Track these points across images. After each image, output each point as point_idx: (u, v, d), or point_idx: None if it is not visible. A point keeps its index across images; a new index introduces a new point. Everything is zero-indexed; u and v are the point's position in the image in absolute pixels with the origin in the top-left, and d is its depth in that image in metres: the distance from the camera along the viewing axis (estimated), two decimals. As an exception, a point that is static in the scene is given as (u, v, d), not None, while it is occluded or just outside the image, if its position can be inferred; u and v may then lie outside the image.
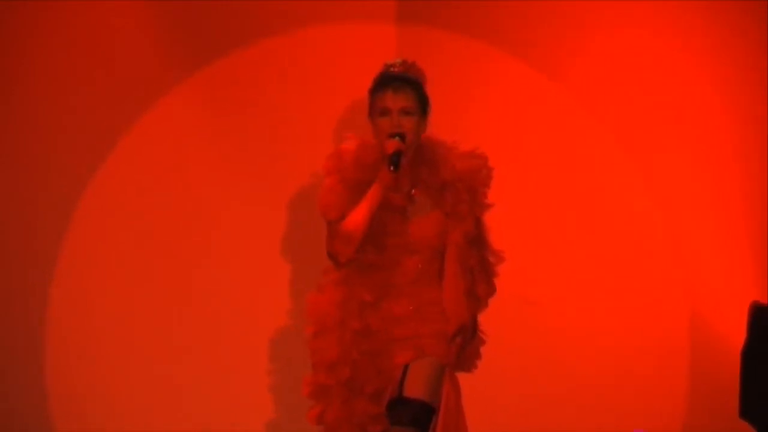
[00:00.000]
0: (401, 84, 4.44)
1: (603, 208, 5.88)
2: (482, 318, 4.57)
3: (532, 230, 5.83)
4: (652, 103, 5.85)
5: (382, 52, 5.67)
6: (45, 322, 5.76)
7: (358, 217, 4.34)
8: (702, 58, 5.85)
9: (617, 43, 5.86)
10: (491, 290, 4.53)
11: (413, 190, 4.46)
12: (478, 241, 4.49)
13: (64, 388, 5.76)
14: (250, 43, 5.84)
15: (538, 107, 5.87)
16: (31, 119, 5.78)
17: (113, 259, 5.79)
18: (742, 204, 5.83)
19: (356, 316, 4.37)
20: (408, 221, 4.44)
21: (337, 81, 5.76)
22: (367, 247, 4.39)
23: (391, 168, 4.30)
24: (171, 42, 5.81)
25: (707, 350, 5.80)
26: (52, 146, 5.78)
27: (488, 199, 4.49)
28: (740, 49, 5.84)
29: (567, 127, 5.87)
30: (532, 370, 5.77)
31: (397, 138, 4.36)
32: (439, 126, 4.56)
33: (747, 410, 5.14)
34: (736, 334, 5.39)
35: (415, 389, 4.31)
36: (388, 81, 4.45)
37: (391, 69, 4.49)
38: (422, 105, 4.47)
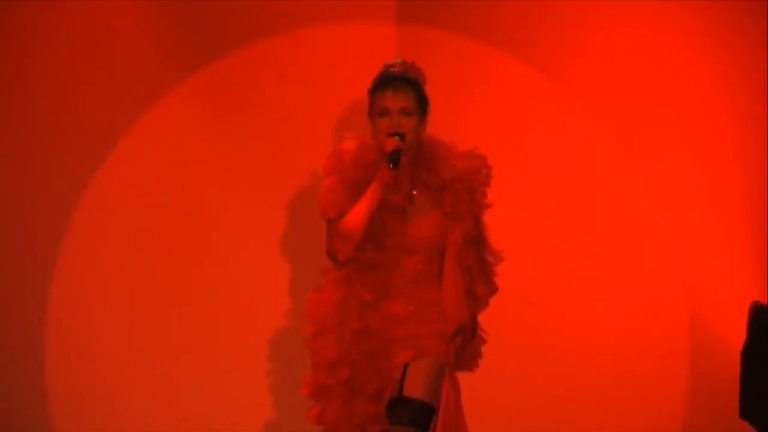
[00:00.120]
0: (401, 84, 4.44)
1: (603, 208, 5.88)
2: (482, 318, 4.57)
3: (532, 230, 5.83)
4: (652, 103, 5.85)
5: (382, 52, 5.67)
6: (45, 322, 5.76)
7: (357, 215, 4.34)
8: (702, 58, 5.85)
9: (617, 43, 5.86)
10: (491, 290, 4.53)
11: (413, 191, 4.46)
12: (477, 241, 4.49)
13: (64, 388, 5.76)
14: (250, 43, 5.84)
15: (538, 107, 5.87)
16: (31, 119, 5.78)
17: (113, 259, 5.79)
18: (742, 204, 5.83)
19: (356, 316, 4.38)
20: (408, 221, 4.44)
21: (337, 81, 5.76)
22: (367, 247, 4.39)
23: (391, 166, 4.30)
24: (171, 42, 5.81)
25: (707, 350, 5.80)
26: (52, 146, 5.78)
27: (488, 199, 4.49)
28: (740, 49, 5.84)
29: (567, 127, 5.87)
30: (532, 370, 5.77)
31: (396, 137, 4.36)
32: (439, 126, 4.56)
33: (747, 410, 5.14)
34: (736, 334, 5.39)
35: (415, 389, 4.31)
36: (388, 81, 4.45)
37: (391, 69, 4.49)
38: (422, 105, 4.47)
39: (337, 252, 4.38)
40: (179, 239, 5.80)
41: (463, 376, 4.52)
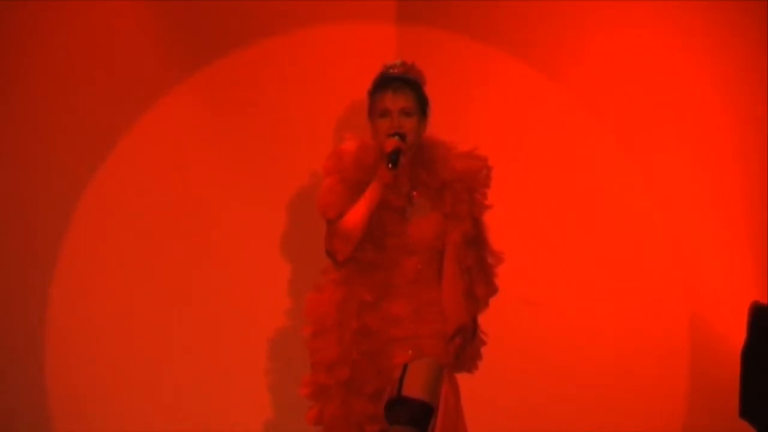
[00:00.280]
0: (401, 85, 4.44)
1: (603, 208, 5.88)
2: (482, 318, 4.57)
3: (532, 230, 5.83)
4: (652, 103, 5.85)
5: (382, 52, 5.68)
6: (45, 322, 5.76)
7: (356, 215, 4.34)
8: (702, 58, 5.85)
9: (617, 43, 5.86)
10: (491, 290, 4.53)
11: (413, 192, 4.46)
12: (476, 241, 4.49)
13: (64, 388, 5.76)
14: (250, 43, 5.84)
15: (538, 107, 5.87)
16: (31, 119, 5.78)
17: (113, 259, 5.79)
18: (742, 204, 5.83)
19: (355, 316, 4.38)
20: (407, 222, 4.44)
21: (337, 81, 5.76)
22: (367, 247, 4.39)
23: (390, 165, 4.30)
24: (171, 42, 5.81)
25: (707, 350, 5.80)
26: (52, 146, 5.78)
27: (488, 200, 4.49)
28: (740, 49, 5.84)
29: (567, 127, 5.87)
30: (532, 370, 5.77)
31: (396, 137, 4.36)
32: (439, 126, 4.56)
33: (747, 410, 5.14)
34: (736, 334, 5.39)
35: (414, 389, 4.31)
36: (388, 82, 4.45)
37: (391, 70, 4.49)
38: (422, 106, 4.47)
39: (336, 251, 4.38)
40: (179, 239, 5.80)
41: (462, 376, 4.52)
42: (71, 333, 5.76)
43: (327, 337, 4.40)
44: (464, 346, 4.46)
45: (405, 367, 4.36)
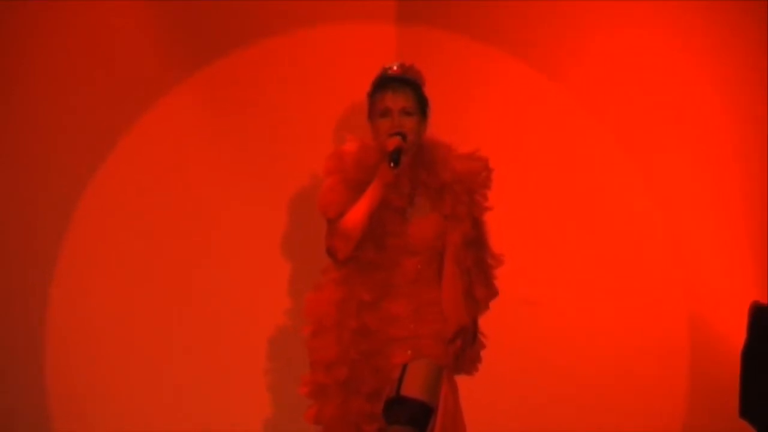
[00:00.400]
0: (400, 85, 4.45)
1: (603, 208, 5.88)
2: (482, 318, 4.57)
3: (532, 230, 5.83)
4: (652, 103, 5.85)
5: (382, 52, 5.68)
6: (45, 322, 5.76)
7: (357, 214, 4.34)
8: (702, 58, 5.85)
9: (617, 43, 5.86)
10: (491, 293, 4.52)
11: (413, 193, 4.46)
12: (476, 242, 4.48)
13: (64, 388, 5.76)
14: (250, 43, 5.84)
15: (538, 107, 5.87)
16: (31, 119, 5.78)
17: (113, 259, 5.79)
18: (742, 204, 5.83)
19: (354, 316, 4.37)
20: (408, 222, 4.44)
21: (337, 81, 5.76)
22: (367, 246, 4.39)
23: (392, 164, 4.30)
24: (171, 42, 5.81)
25: (707, 350, 5.80)
26: (52, 146, 5.78)
27: (488, 202, 4.49)
28: (740, 49, 5.84)
29: (567, 127, 5.87)
30: (531, 371, 5.77)
31: (398, 136, 4.36)
32: (439, 126, 4.56)
33: (747, 410, 5.14)
34: (736, 334, 5.39)
35: (413, 389, 4.31)
36: (387, 82, 4.45)
37: (390, 71, 4.50)
38: (422, 106, 4.48)
39: (336, 250, 4.38)
40: (179, 239, 5.80)
41: (462, 376, 4.52)
42: (71, 333, 5.76)
43: (326, 336, 4.40)
44: (464, 348, 4.45)
45: (404, 367, 4.36)
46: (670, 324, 5.83)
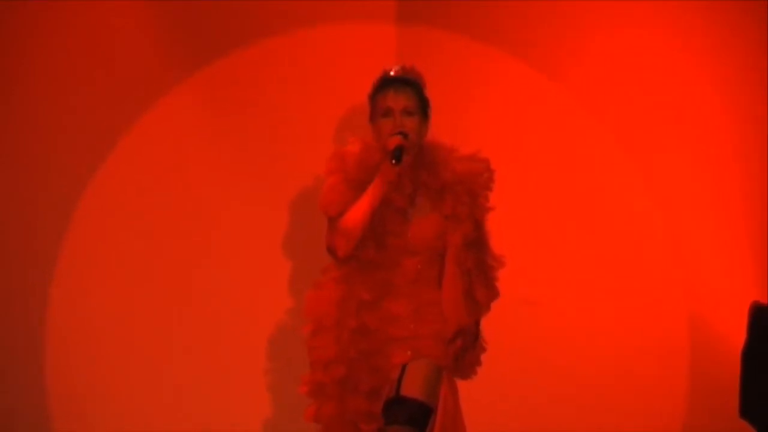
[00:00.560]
0: (402, 85, 4.45)
1: (603, 208, 5.88)
2: (482, 318, 4.56)
3: (532, 230, 5.83)
4: (652, 103, 5.85)
5: (382, 52, 5.68)
6: (45, 322, 5.76)
7: (358, 212, 4.34)
8: (702, 58, 5.85)
9: (617, 43, 5.86)
10: (492, 294, 4.52)
11: (415, 193, 4.46)
12: (477, 244, 4.48)
13: (64, 388, 5.76)
14: (250, 43, 5.84)
15: (538, 107, 5.87)
16: (31, 119, 5.78)
17: (113, 259, 5.78)
18: (742, 204, 5.83)
19: (354, 315, 4.37)
20: (408, 222, 4.44)
21: (337, 81, 5.76)
22: (367, 245, 4.39)
23: (394, 161, 4.30)
24: (171, 42, 5.81)
25: (707, 350, 5.80)
26: (52, 146, 5.78)
27: (489, 203, 4.49)
28: (740, 49, 5.84)
29: (567, 128, 5.87)
30: (531, 371, 5.77)
31: (400, 135, 4.37)
32: (439, 126, 4.56)
33: (747, 410, 5.14)
34: (736, 334, 5.39)
35: (412, 389, 4.31)
36: (389, 83, 4.46)
37: (391, 73, 4.50)
38: (423, 107, 4.48)
39: (336, 248, 4.38)
40: (179, 239, 5.80)
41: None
42: (71, 333, 5.76)
43: (326, 335, 4.40)
44: (465, 349, 4.45)
45: (403, 367, 4.36)
46: (670, 324, 5.83)
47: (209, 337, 5.76)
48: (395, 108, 4.42)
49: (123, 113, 5.80)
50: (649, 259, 5.85)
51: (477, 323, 4.50)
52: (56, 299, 5.77)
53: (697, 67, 5.85)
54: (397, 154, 4.31)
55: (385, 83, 4.47)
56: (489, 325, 4.58)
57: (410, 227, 4.44)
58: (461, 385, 4.49)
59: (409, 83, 4.47)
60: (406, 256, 4.42)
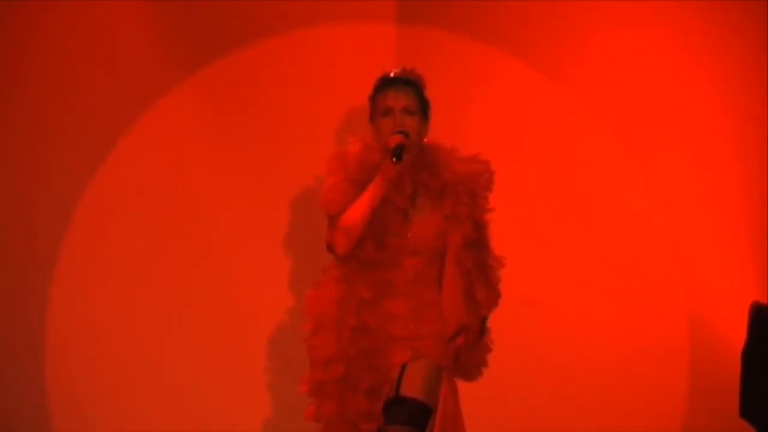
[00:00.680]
0: (402, 85, 4.46)
1: (603, 208, 5.88)
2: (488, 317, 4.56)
3: (532, 230, 5.83)
4: (652, 103, 5.85)
5: (382, 52, 5.69)
6: (45, 322, 5.76)
7: (358, 209, 4.34)
8: (702, 58, 5.85)
9: (617, 43, 5.86)
10: (493, 294, 4.51)
11: (415, 194, 4.46)
12: (477, 244, 4.48)
13: (64, 387, 5.76)
14: (250, 43, 5.84)
15: (538, 107, 5.87)
16: (31, 119, 5.78)
17: (113, 259, 5.78)
18: (742, 204, 5.84)
19: (354, 314, 4.37)
20: (409, 223, 4.44)
21: (338, 81, 5.76)
22: (368, 245, 4.39)
23: (394, 159, 4.30)
24: (171, 42, 5.81)
25: (707, 350, 5.80)
26: (52, 146, 5.78)
27: (489, 204, 4.48)
28: (740, 49, 5.84)
29: (567, 128, 5.87)
30: (531, 371, 5.77)
31: (400, 134, 4.37)
32: (439, 126, 4.56)
33: (747, 410, 5.14)
34: (736, 334, 5.39)
35: (412, 389, 4.31)
36: (389, 83, 4.47)
37: (391, 74, 4.51)
38: (423, 107, 4.48)
39: (336, 245, 4.37)
40: (179, 239, 5.79)
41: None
42: (71, 333, 5.76)
43: (326, 334, 4.40)
44: (467, 346, 4.44)
45: (403, 367, 4.36)
46: (670, 324, 5.83)
47: (209, 337, 5.76)
48: (395, 107, 4.42)
49: (123, 113, 5.80)
50: (649, 259, 5.85)
51: (484, 320, 4.50)
52: (56, 299, 5.77)
53: (697, 67, 5.85)
54: (398, 152, 4.32)
55: (385, 83, 4.48)
56: (489, 325, 4.57)
57: (411, 227, 4.44)
58: (461, 385, 4.49)
59: (409, 83, 4.47)
60: (406, 256, 4.42)
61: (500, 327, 4.65)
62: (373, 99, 4.49)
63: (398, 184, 4.40)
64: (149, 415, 5.75)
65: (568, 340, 5.80)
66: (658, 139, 5.85)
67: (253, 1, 5.83)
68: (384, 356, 4.38)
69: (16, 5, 5.76)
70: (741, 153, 5.84)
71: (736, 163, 5.84)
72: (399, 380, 4.34)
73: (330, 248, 4.41)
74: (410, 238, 4.42)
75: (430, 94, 4.51)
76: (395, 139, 4.35)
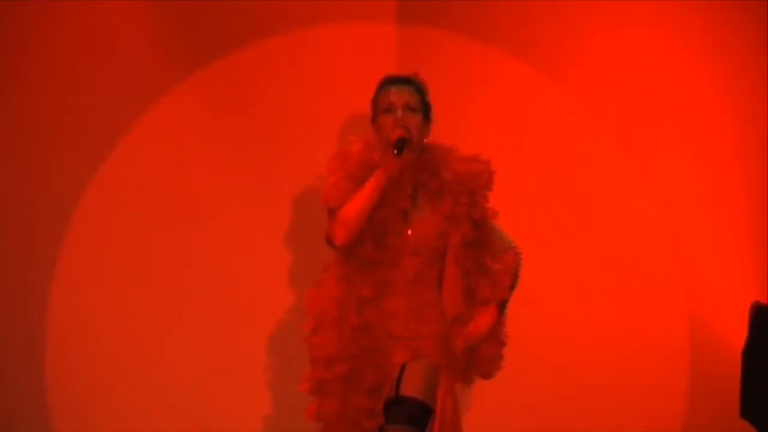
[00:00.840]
0: (404, 83, 4.47)
1: (603, 208, 5.88)
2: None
3: (532, 230, 5.82)
4: (652, 103, 5.85)
5: (382, 52, 5.69)
6: (45, 322, 5.76)
7: (358, 202, 4.34)
8: (702, 58, 5.85)
9: (617, 43, 5.86)
10: (497, 291, 4.50)
11: (416, 194, 4.47)
12: (476, 244, 4.48)
13: (64, 388, 5.76)
14: (250, 43, 5.84)
15: (538, 107, 5.87)
16: (31, 119, 5.78)
17: (113, 259, 5.78)
18: (742, 204, 5.84)
19: (354, 312, 4.38)
20: (409, 223, 4.44)
21: (338, 81, 5.76)
22: (367, 243, 4.38)
23: (395, 152, 4.30)
24: (171, 42, 5.81)
25: (707, 350, 5.80)
26: (52, 146, 5.78)
27: (489, 204, 4.48)
28: (740, 49, 5.84)
29: (567, 127, 5.87)
30: (531, 371, 5.77)
31: (402, 128, 4.38)
32: (439, 126, 4.56)
33: (747, 410, 5.14)
34: (736, 334, 5.39)
35: (412, 388, 4.31)
36: (391, 81, 4.48)
37: (392, 75, 4.53)
38: (425, 108, 4.49)
39: (335, 237, 4.37)
40: (179, 239, 5.79)
41: (464, 376, 4.53)
42: (71, 333, 5.76)
43: (326, 333, 4.40)
44: (477, 337, 4.43)
45: (403, 367, 4.36)
46: (670, 324, 5.83)
47: (209, 337, 5.76)
48: (397, 103, 4.43)
49: (123, 113, 5.80)
50: (649, 259, 5.85)
51: (504, 302, 4.48)
52: (56, 299, 5.77)
53: (697, 67, 5.85)
54: (399, 145, 4.32)
55: (387, 82, 4.48)
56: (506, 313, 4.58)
57: (411, 227, 4.44)
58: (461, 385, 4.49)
59: (411, 83, 4.48)
60: (405, 255, 4.42)
61: (500, 327, 4.65)
62: (375, 99, 4.50)
63: (398, 184, 4.40)
64: (149, 415, 5.75)
65: (568, 340, 5.80)
66: (658, 139, 5.85)
67: (253, 1, 5.83)
68: (384, 355, 4.38)
69: (16, 5, 5.76)
70: (741, 153, 5.84)
71: (736, 163, 5.84)
72: (399, 380, 4.35)
73: (329, 240, 4.40)
74: (410, 238, 4.42)
75: (431, 93, 4.51)
76: (397, 133, 4.36)
